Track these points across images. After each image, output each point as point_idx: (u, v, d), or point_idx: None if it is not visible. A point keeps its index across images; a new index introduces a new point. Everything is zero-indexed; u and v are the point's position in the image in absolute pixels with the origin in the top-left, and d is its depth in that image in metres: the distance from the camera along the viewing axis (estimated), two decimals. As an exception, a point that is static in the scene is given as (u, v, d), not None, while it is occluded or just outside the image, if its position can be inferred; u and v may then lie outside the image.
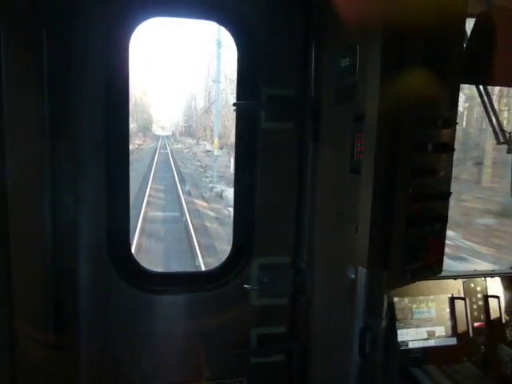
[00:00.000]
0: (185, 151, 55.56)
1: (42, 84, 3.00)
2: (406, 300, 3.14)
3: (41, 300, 3.15)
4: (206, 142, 56.81)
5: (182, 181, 28.83)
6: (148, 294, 3.52)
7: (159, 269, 12.32)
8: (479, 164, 24.54)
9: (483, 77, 2.94)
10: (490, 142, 21.99)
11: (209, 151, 44.11)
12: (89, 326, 3.41)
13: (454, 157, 2.66)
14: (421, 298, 3.17)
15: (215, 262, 11.14)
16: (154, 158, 42.67)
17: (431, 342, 3.13)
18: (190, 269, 12.87)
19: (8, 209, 2.42)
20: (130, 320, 3.50)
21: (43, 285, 3.16)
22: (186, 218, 18.49)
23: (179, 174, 32.88)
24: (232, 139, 28.63)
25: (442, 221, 2.66)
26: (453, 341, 3.16)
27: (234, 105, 3.52)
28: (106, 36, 3.16)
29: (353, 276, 2.63)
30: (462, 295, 3.27)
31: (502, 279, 3.43)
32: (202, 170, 35.66)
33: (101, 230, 3.35)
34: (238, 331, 3.66)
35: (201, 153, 49.31)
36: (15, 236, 2.49)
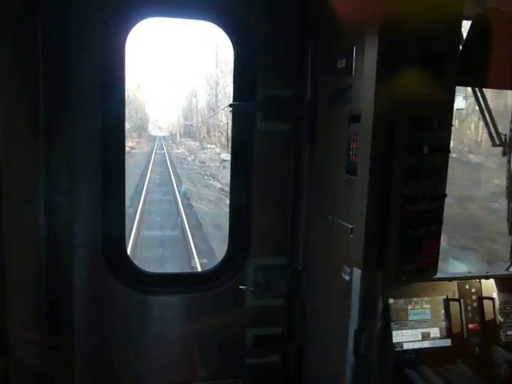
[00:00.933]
0: (189, 159, 39.95)
1: (37, 84, 2.99)
2: (401, 301, 3.14)
3: (35, 300, 3.14)
4: (213, 146, 46.64)
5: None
6: (143, 294, 3.51)
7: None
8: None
9: (479, 79, 2.95)
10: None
11: (225, 161, 28.01)
12: (83, 327, 3.40)
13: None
14: (416, 299, 3.17)
15: None
16: (146, 175, 25.78)
17: (426, 344, 3.14)
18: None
19: (2, 208, 2.40)
20: (125, 320, 3.49)
21: (37, 285, 3.15)
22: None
23: (193, 219, 15.99)
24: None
25: (437, 222, 2.66)
26: (447, 342, 3.17)
27: (231, 105, 3.52)
28: (101, 36, 3.15)
29: (348, 277, 2.63)
30: (457, 297, 3.28)
31: (496, 281, 3.44)
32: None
33: (96, 230, 3.33)
34: (233, 332, 3.65)
35: (212, 162, 33.99)
36: (9, 236, 2.47)
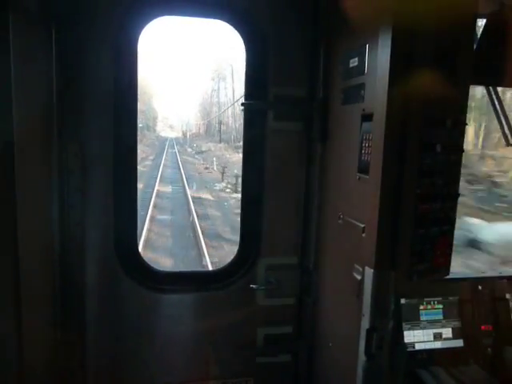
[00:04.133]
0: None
1: (50, 84, 3.02)
2: (413, 301, 3.11)
3: (48, 299, 3.17)
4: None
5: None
6: (155, 292, 3.54)
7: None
8: None
9: (493, 78, 2.92)
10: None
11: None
12: (96, 325, 3.43)
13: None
14: (428, 299, 3.14)
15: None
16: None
17: (438, 344, 3.11)
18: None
19: (16, 208, 2.44)
20: (137, 318, 3.51)
21: (51, 282, 3.19)
22: None
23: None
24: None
25: (450, 222, 2.64)
26: (460, 343, 3.14)
27: (242, 104, 3.52)
28: (114, 36, 3.18)
29: (360, 277, 2.63)
30: (470, 297, 3.24)
31: (509, 282, 3.40)
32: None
33: (108, 228, 3.37)
34: (244, 331, 3.66)
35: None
36: (23, 235, 2.51)
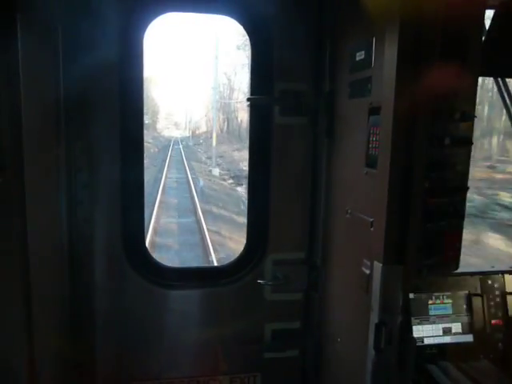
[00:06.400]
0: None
1: (58, 82, 3.03)
2: (422, 296, 3.10)
3: (57, 296, 3.20)
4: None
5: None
6: (162, 288, 3.55)
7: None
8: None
9: (502, 69, 2.88)
10: None
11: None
12: (104, 320, 3.45)
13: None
14: (437, 294, 3.13)
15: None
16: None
17: (447, 339, 3.09)
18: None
19: (25, 205, 2.46)
20: (145, 314, 3.53)
21: (60, 278, 3.21)
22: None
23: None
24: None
25: (459, 216, 2.61)
26: (469, 338, 3.12)
27: (248, 100, 3.52)
28: (120, 33, 3.19)
29: (368, 271, 2.61)
30: (479, 292, 3.22)
31: None
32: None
33: (115, 225, 3.38)
34: (251, 326, 3.66)
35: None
36: (32, 232, 2.52)
